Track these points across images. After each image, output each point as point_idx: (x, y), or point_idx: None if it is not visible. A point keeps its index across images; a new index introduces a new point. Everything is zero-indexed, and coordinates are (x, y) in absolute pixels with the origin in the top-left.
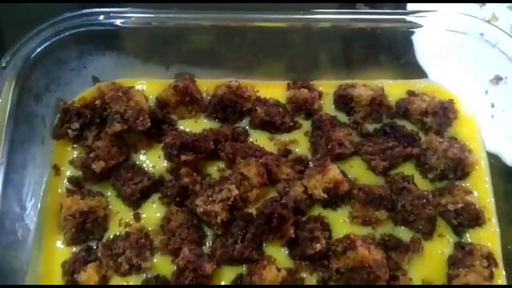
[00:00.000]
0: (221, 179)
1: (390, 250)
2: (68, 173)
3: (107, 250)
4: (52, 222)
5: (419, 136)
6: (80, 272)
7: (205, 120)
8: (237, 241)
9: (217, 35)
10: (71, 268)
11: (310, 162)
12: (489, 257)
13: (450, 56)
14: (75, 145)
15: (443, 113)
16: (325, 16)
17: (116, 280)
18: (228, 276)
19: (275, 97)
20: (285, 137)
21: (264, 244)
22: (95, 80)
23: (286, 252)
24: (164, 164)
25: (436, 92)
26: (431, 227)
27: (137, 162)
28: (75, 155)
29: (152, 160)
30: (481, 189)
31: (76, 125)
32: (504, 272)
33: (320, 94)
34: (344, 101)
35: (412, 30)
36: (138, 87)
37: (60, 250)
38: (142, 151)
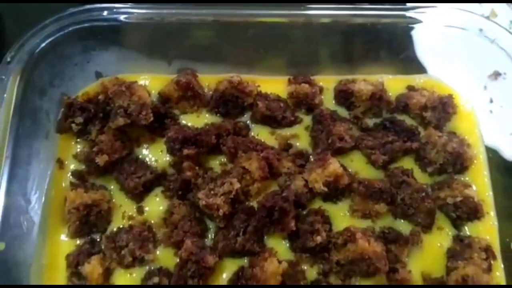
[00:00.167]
0: (223, 173)
1: (390, 243)
2: (72, 167)
3: (111, 243)
4: (56, 215)
5: (418, 130)
6: (84, 264)
7: (207, 115)
8: (238, 234)
9: (219, 30)
10: (75, 260)
11: (311, 156)
12: (488, 250)
13: (450, 51)
14: (78, 139)
15: (442, 108)
16: (326, 12)
17: (119, 272)
18: (230, 268)
19: (276, 92)
20: (286, 132)
21: (265, 237)
22: (98, 75)
23: (287, 244)
24: (166, 158)
25: (435, 87)
26: (430, 220)
27: (140, 156)
28: (78, 149)
29: (154, 154)
30: (479, 183)
31: (79, 120)
32: (502, 265)
33: (321, 89)
34: (344, 96)
35: (411, 25)
36: (141, 82)
37: (64, 242)
38: (145, 145)
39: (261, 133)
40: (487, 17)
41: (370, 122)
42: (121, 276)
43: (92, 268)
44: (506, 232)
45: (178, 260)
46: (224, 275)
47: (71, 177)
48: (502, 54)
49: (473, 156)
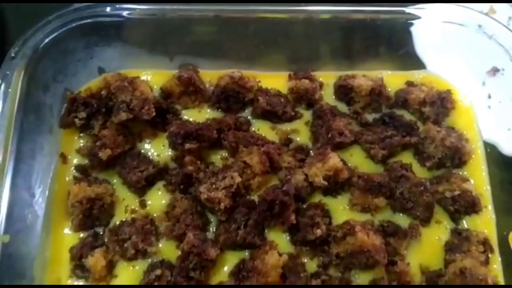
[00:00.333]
0: (224, 167)
1: (389, 236)
2: (75, 161)
3: (114, 236)
4: (60, 209)
5: (417, 125)
6: (88, 256)
7: (208, 110)
8: (240, 227)
9: (220, 26)
10: (79, 253)
11: (311, 151)
12: (485, 243)
13: (449, 47)
14: (81, 134)
15: (441, 103)
16: (326, 7)
17: (122, 265)
18: (231, 260)
19: (277, 87)
20: (287, 127)
21: (266, 230)
22: (101, 70)
23: (288, 237)
24: (168, 152)
25: (434, 82)
26: (429, 214)
27: (142, 151)
28: (81, 144)
29: (156, 149)
30: (477, 177)
31: (82, 115)
32: (499, 258)
33: (321, 85)
34: (344, 91)
35: (411, 22)
36: (143, 77)
37: (68, 236)
38: (147, 140)
39: (262, 128)
40: (486, 14)
41: (370, 117)
42: (124, 269)
43: (96, 261)
44: (503, 225)
45: (180, 252)
46: (226, 268)
47: (74, 171)
48: (501, 50)
49: (471, 151)
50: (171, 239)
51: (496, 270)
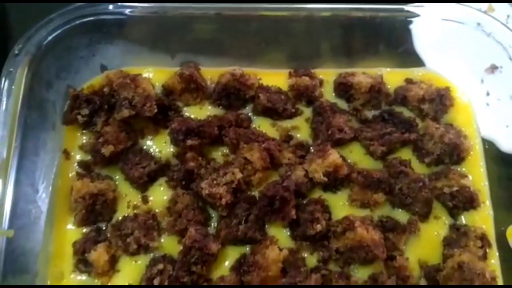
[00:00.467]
0: (225, 163)
1: (388, 231)
2: (78, 157)
3: (116, 231)
4: (63, 205)
5: (416, 122)
6: (91, 251)
7: (209, 107)
8: (241, 222)
9: (221, 24)
10: (82, 247)
11: (311, 147)
12: (483, 238)
13: (448, 45)
14: (84, 131)
15: (440, 100)
16: (326, 5)
17: (125, 259)
18: (232, 255)
19: (278, 84)
20: (287, 123)
21: (266, 225)
22: (103, 68)
23: (288, 232)
24: (170, 149)
25: (433, 80)
26: (427, 210)
27: (144, 147)
28: (84, 140)
29: (158, 145)
30: (475, 173)
31: (85, 111)
32: (497, 253)
33: (321, 82)
34: (344, 88)
35: (410, 19)
36: (145, 75)
37: (71, 231)
38: (149, 137)
39: (263, 125)
40: (485, 12)
41: (369, 114)
42: (126, 263)
43: (98, 255)
44: (501, 221)
45: (182, 247)
46: (227, 263)
47: (77, 167)
48: (499, 48)
49: (470, 147)
50: (173, 234)
51: (494, 265)
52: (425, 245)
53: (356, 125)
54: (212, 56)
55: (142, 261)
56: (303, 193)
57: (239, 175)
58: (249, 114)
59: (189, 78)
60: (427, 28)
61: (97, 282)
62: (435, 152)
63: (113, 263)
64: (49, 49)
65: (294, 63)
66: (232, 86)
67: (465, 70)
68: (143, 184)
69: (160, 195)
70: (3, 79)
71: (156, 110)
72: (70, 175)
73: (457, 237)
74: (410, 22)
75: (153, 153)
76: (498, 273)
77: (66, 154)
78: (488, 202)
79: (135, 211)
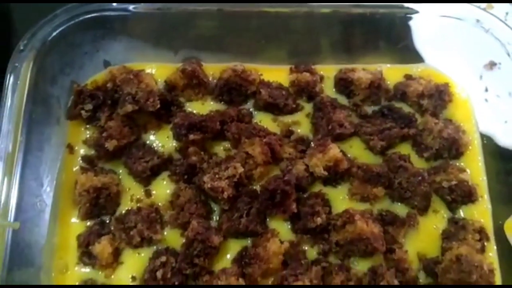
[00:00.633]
0: (227, 158)
1: (387, 225)
2: (81, 152)
3: (120, 224)
4: (67, 198)
5: (415, 117)
6: (95, 244)
7: (211, 102)
8: (242, 216)
9: (223, 21)
10: (86, 240)
11: (312, 142)
12: (481, 232)
13: (447, 41)
14: (88, 126)
15: (439, 96)
16: (326, 3)
17: (128, 252)
18: (234, 248)
19: (279, 80)
20: (288, 119)
21: (268, 219)
22: (107, 64)
23: (289, 226)
24: (173, 143)
25: (432, 76)
26: (426, 203)
27: (148, 142)
28: (88, 135)
29: (161, 140)
30: (474, 168)
31: (89, 106)
32: (495, 247)
33: (322, 78)
34: (344, 84)
35: (409, 16)
36: (147, 70)
37: (75, 224)
38: (152, 132)
39: (264, 120)
40: (484, 9)
41: (369, 109)
42: (129, 256)
43: (102, 248)
44: (499, 215)
45: (184, 240)
46: (228, 255)
47: (81, 161)
48: (498, 44)
49: (468, 142)
50: (176, 227)
51: (491, 258)
52: (424, 238)
53: (356, 120)
54: (214, 52)
55: (145, 253)
56: (304, 187)
57: (240, 169)
58: (251, 109)
59: (192, 73)
60: (427, 25)
61: (101, 274)
62: (434, 147)
63: (116, 256)
64: (54, 45)
65: (295, 59)
66: (233, 81)
67: (464, 66)
68: (146, 178)
69: (163, 189)
70: (9, 74)
71: (159, 105)
72: (74, 169)
73: (455, 230)
74: (410, 18)
75: (156, 148)
76: (496, 265)
77: (70, 148)
78: (486, 196)
79: (138, 205)
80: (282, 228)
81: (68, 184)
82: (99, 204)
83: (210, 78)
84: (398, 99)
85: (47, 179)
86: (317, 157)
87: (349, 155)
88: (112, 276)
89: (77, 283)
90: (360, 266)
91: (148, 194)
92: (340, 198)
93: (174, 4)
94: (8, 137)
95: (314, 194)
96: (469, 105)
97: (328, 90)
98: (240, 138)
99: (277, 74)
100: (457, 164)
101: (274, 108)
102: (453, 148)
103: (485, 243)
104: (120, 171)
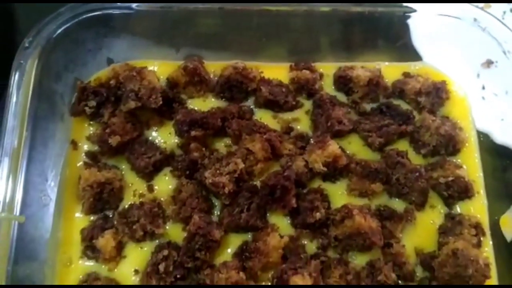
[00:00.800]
0: (228, 154)
1: (385, 220)
2: (85, 147)
3: (123, 218)
4: (71, 193)
5: (413, 114)
6: (98, 238)
7: (212, 99)
8: (243, 211)
9: (224, 19)
10: (90, 234)
11: (311, 139)
12: (477, 227)
13: (444, 40)
14: (91, 122)
15: (436, 94)
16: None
17: (131, 246)
18: (234, 242)
19: (279, 78)
20: (288, 115)
21: (268, 213)
22: (110, 61)
23: (288, 220)
24: (175, 139)
25: (430, 74)
26: (424, 199)
27: (150, 138)
28: (91, 131)
29: (163, 136)
30: (470, 164)
31: (92, 103)
32: (491, 242)
33: (321, 75)
34: (343, 82)
35: (408, 14)
36: (150, 68)
37: (79, 218)
38: (154, 128)
39: (264, 117)
40: (482, 8)
41: (368, 106)
42: (132, 249)
43: (106, 242)
44: (495, 210)
45: (186, 234)
46: (229, 249)
47: (84, 157)
48: (494, 43)
49: (465, 139)
50: (178, 221)
51: (487, 252)
52: (421, 233)
53: (355, 117)
54: (215, 50)
55: (148, 247)
56: (303, 182)
57: (241, 165)
58: (251, 106)
59: (193, 71)
60: (425, 23)
61: (104, 267)
62: (431, 143)
63: (119, 249)
64: (58, 42)
65: (295, 57)
66: (234, 79)
67: (461, 65)
68: (148, 174)
69: (165, 184)
70: (14, 71)
71: (161, 102)
72: (78, 164)
73: (452, 225)
74: (408, 17)
75: (158, 144)
76: (492, 260)
77: (74, 144)
78: (482, 192)
79: (141, 200)
80: (282, 223)
81: (72, 179)
82: (102, 199)
83: (212, 76)
84: (396, 96)
85: (51, 174)
86: (316, 153)
87: (348, 152)
88: (115, 270)
89: (80, 277)
90: (359, 260)
91: (150, 189)
92: (339, 194)
93: (176, 2)
94: (13, 133)
95: (314, 190)
96: (466, 103)
97: (328, 87)
98: (240, 135)
99: (277, 71)
100: (454, 160)
101: (274, 105)
102: (450, 144)
103: (481, 238)
104: (123, 166)
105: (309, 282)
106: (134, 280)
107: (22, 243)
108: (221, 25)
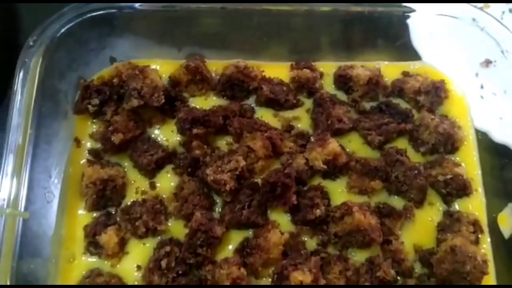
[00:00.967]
0: (230, 152)
1: (384, 217)
2: (88, 145)
3: (125, 215)
4: (75, 190)
5: (412, 113)
6: (101, 234)
7: (214, 98)
8: (244, 207)
9: (226, 19)
10: (93, 230)
11: (311, 137)
12: (475, 224)
13: (444, 40)
14: (94, 120)
15: (435, 92)
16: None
17: (133, 242)
18: (235, 239)
19: (280, 76)
20: (288, 114)
21: (268, 210)
22: (113, 60)
23: (289, 217)
24: (177, 137)
25: (429, 73)
26: (422, 196)
27: (152, 136)
28: (94, 129)
29: (165, 134)
30: (469, 162)
31: (95, 101)
32: (489, 239)
33: (321, 74)
34: (343, 80)
35: (407, 14)
36: (152, 67)
37: (82, 215)
38: (156, 126)
39: (265, 115)
40: (481, 8)
41: (367, 105)
42: (135, 245)
43: (109, 238)
44: (493, 208)
45: (188, 230)
46: (230, 246)
47: (88, 154)
48: (493, 43)
49: (463, 137)
50: (179, 218)
51: (485, 249)
52: (419, 230)
53: (355, 116)
54: (217, 49)
55: (150, 243)
56: (304, 180)
57: (242, 163)
58: (252, 104)
59: (195, 70)
60: (424, 23)
61: (107, 263)
62: (430, 141)
63: (122, 246)
64: (62, 41)
65: (296, 56)
66: (236, 78)
67: (460, 64)
68: (151, 171)
69: (167, 181)
70: (19, 69)
71: (163, 100)
72: (81, 162)
73: (450, 222)
74: (407, 17)
75: (160, 142)
76: (490, 257)
77: (77, 142)
78: (480, 190)
79: (143, 197)
80: (282, 220)
81: (75, 176)
82: (105, 195)
83: (213, 74)
84: (395, 95)
85: (55, 172)
86: (316, 151)
87: (347, 150)
88: (118, 265)
89: (83, 272)
90: (358, 257)
91: (152, 186)
92: (338, 191)
93: (179, 2)
94: (18, 131)
95: (314, 187)
96: (465, 102)
97: (328, 86)
98: (242, 133)
99: (278, 70)
100: (453, 158)
101: (275, 103)
102: (448, 143)
103: (479, 235)
104: (126, 164)
105: (309, 278)
106: (137, 276)
107: (26, 239)
108: (223, 25)
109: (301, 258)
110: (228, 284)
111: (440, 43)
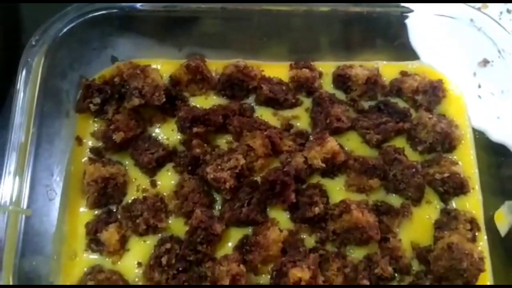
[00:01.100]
0: (229, 150)
1: (382, 215)
2: (90, 143)
3: (126, 212)
4: (76, 188)
5: (410, 112)
6: (102, 231)
7: (214, 97)
8: (243, 205)
9: (226, 19)
10: (94, 228)
11: (310, 136)
12: (472, 222)
13: (441, 40)
14: (96, 119)
15: (433, 92)
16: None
17: (134, 239)
18: (235, 236)
19: (279, 76)
20: (288, 113)
21: (268, 208)
22: (114, 59)
23: (288, 215)
24: (177, 136)
25: (427, 72)
26: (420, 194)
27: (153, 134)
28: (96, 128)
29: (166, 133)
30: (466, 161)
31: (97, 100)
32: (485, 237)
33: (320, 74)
34: (342, 80)
35: (406, 14)
36: (153, 66)
37: (83, 213)
38: (157, 125)
39: (265, 114)
40: (479, 9)
41: (366, 104)
42: (136, 243)
43: (110, 235)
44: (489, 206)
45: (188, 228)
46: (230, 243)
47: (89, 153)
48: (490, 43)
49: (461, 136)
50: (180, 216)
51: (482, 247)
52: (417, 228)
53: (353, 115)
54: (217, 49)
55: (151, 241)
56: (303, 178)
57: (242, 161)
58: (252, 104)
59: (195, 69)
60: (422, 23)
61: (108, 260)
62: (428, 140)
63: (123, 243)
64: (64, 41)
65: (295, 56)
66: (236, 77)
67: (458, 64)
68: (151, 169)
69: (167, 179)
70: (21, 68)
71: (164, 100)
72: (82, 160)
73: (447, 220)
74: (406, 17)
75: (161, 140)
76: (486, 254)
77: (79, 140)
78: (477, 188)
79: (144, 194)
80: (281, 217)
81: (77, 174)
82: (106, 193)
83: (213, 74)
84: (393, 94)
85: (57, 170)
86: (315, 150)
87: (346, 148)
88: (119, 262)
89: (85, 269)
90: (356, 254)
91: (153, 184)
92: (337, 189)
93: (179, 2)
94: (20, 129)
95: (312, 185)
96: (463, 101)
97: (327, 85)
98: (241, 131)
99: (277, 70)
100: (450, 157)
101: (274, 102)
102: (446, 141)
103: (476, 233)
104: (127, 162)
105: (307, 274)
106: (137, 272)
107: (28, 236)
108: (223, 25)
109: (300, 255)
110: (228, 280)
111: (438, 43)
